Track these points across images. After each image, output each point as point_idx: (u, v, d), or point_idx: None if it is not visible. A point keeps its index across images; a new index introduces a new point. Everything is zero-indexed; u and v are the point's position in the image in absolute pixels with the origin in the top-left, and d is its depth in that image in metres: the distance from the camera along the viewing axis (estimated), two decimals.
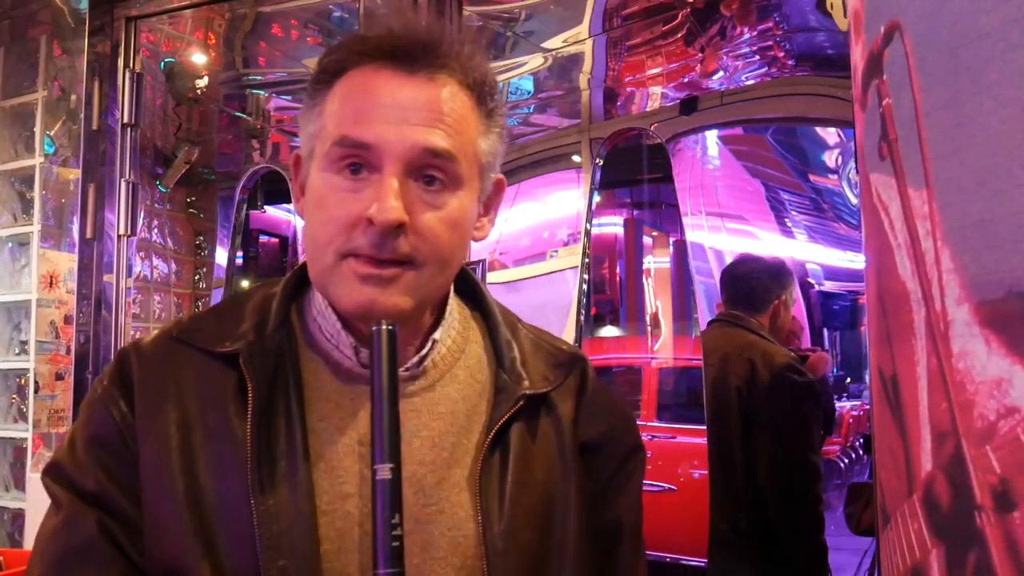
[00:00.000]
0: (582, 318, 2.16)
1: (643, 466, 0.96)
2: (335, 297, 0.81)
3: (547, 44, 2.29)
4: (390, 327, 0.75)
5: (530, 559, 0.82)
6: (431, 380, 0.87)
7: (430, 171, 0.79)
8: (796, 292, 2.29)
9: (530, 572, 0.81)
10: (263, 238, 5.06)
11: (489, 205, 0.90)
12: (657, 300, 5.74)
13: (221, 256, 2.80)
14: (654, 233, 6.09)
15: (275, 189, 3.55)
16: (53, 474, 0.83)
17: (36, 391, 2.29)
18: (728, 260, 2.53)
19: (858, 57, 0.83)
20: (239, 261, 3.02)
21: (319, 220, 0.81)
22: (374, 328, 0.75)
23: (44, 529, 0.81)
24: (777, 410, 2.02)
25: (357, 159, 0.79)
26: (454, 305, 0.91)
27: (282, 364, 0.83)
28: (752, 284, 2.20)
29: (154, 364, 0.84)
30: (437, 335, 0.87)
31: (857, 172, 0.90)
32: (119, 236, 2.35)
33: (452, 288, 0.90)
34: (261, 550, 0.75)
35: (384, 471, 0.71)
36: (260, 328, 0.84)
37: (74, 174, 2.31)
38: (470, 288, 0.95)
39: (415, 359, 0.86)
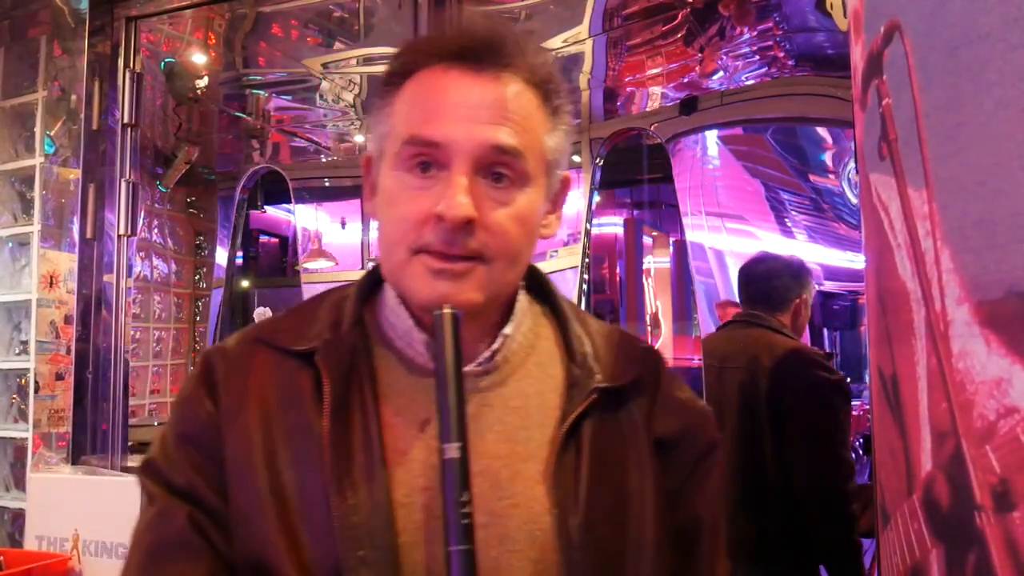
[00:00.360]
0: None
1: (722, 462, 0.95)
2: (408, 292, 0.83)
3: (547, 44, 2.29)
4: (453, 311, 0.77)
5: (607, 554, 0.82)
6: (503, 375, 0.88)
7: (498, 168, 0.81)
8: (813, 293, 2.27)
9: (607, 567, 0.82)
10: (263, 238, 5.06)
11: (556, 202, 0.92)
12: (657, 300, 5.73)
13: (221, 256, 2.80)
14: (654, 233, 6.08)
15: (275, 189, 3.55)
16: (146, 470, 0.87)
17: (36, 391, 2.28)
18: (728, 260, 2.53)
19: (858, 57, 0.83)
20: (239, 261, 3.02)
21: (390, 218, 0.83)
22: (436, 313, 0.77)
23: (139, 523, 0.85)
24: (810, 409, 1.98)
25: (426, 157, 0.81)
26: (524, 301, 0.93)
27: (357, 361, 0.85)
28: (773, 283, 2.16)
29: (237, 364, 0.88)
30: (507, 330, 0.88)
31: (857, 172, 0.90)
32: (119, 236, 2.35)
33: (522, 284, 0.92)
34: (340, 541, 0.77)
35: (452, 450, 0.73)
36: (335, 327, 0.87)
37: (74, 174, 2.31)
38: (539, 285, 0.97)
39: (487, 354, 0.87)
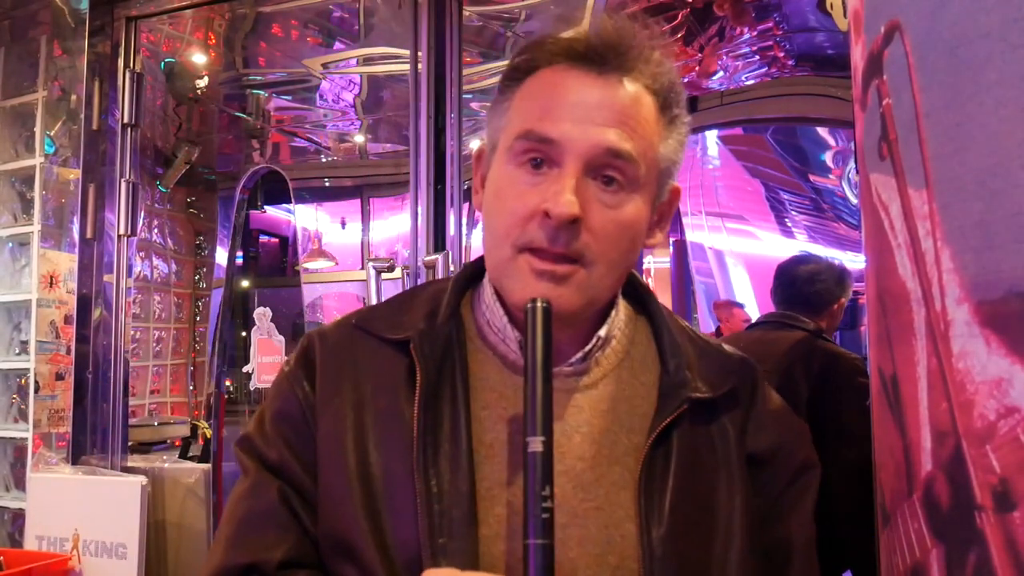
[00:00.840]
0: None
1: (817, 483, 0.93)
2: (509, 290, 0.83)
3: None
4: (545, 304, 0.77)
5: (689, 569, 0.80)
6: (595, 378, 0.87)
7: (609, 171, 0.81)
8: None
9: None
10: (263, 238, 5.05)
11: (663, 213, 0.91)
12: None
13: (221, 256, 2.80)
14: None
15: (275, 189, 3.54)
16: (243, 445, 0.89)
17: (36, 391, 2.28)
18: (728, 260, 2.53)
19: (858, 57, 0.83)
20: (239, 261, 3.02)
21: (497, 212, 0.83)
22: (529, 305, 0.77)
23: (234, 494, 0.87)
24: (855, 415, 1.96)
25: (539, 154, 0.81)
26: (621, 307, 0.92)
27: (450, 352, 0.86)
28: (817, 287, 2.12)
29: (335, 348, 0.90)
30: (602, 332, 0.88)
31: (857, 172, 0.90)
32: (119, 236, 2.35)
33: (620, 290, 0.91)
34: (420, 527, 0.77)
35: (536, 444, 0.72)
36: (431, 318, 0.88)
37: (74, 174, 2.31)
38: (637, 291, 0.96)
39: (579, 355, 0.87)
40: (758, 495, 0.87)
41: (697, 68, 2.26)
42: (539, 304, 0.76)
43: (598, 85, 0.82)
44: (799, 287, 2.15)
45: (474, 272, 0.93)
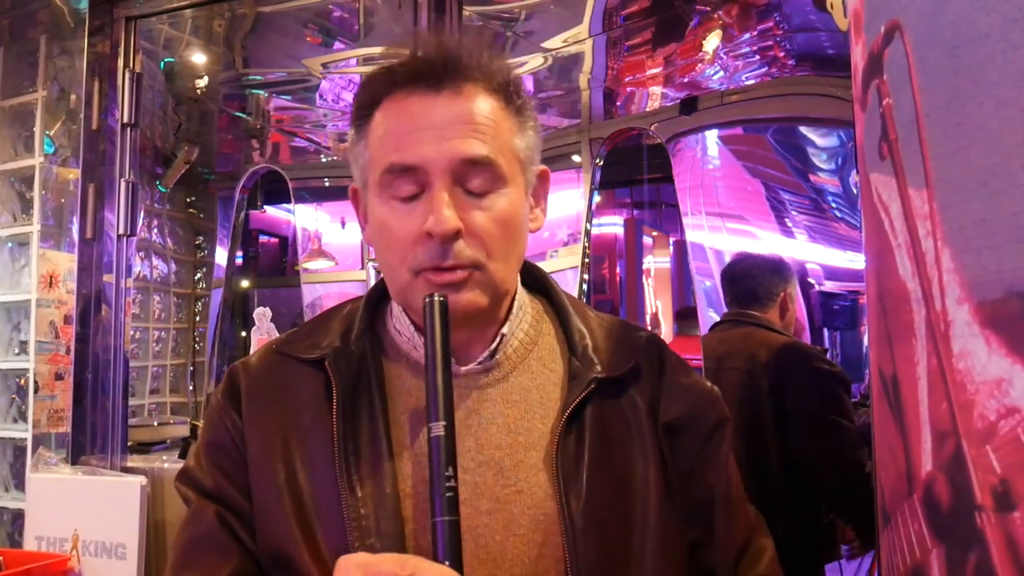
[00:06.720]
0: None
1: (729, 436, 0.98)
2: (416, 308, 0.88)
3: (547, 44, 2.29)
4: (442, 299, 0.82)
5: (611, 538, 0.85)
6: (504, 372, 0.93)
7: (473, 177, 0.85)
8: (797, 287, 2.28)
9: (611, 550, 0.85)
10: (263, 238, 5.06)
11: (538, 196, 0.96)
12: (657, 300, 5.74)
13: (221, 256, 2.80)
14: (654, 233, 6.08)
15: (275, 189, 3.55)
16: (183, 478, 0.95)
17: (36, 391, 2.28)
18: (729, 260, 2.52)
19: (858, 57, 0.83)
20: (239, 261, 3.02)
21: (386, 244, 0.89)
22: (426, 300, 0.82)
23: (180, 524, 0.93)
24: (817, 400, 1.97)
25: (408, 180, 0.85)
26: (525, 299, 0.97)
27: (365, 365, 0.92)
28: (757, 279, 2.17)
29: (258, 376, 0.96)
30: (505, 330, 0.93)
31: (857, 172, 0.90)
32: (119, 236, 2.35)
33: (519, 283, 0.96)
34: (349, 531, 0.82)
35: (438, 428, 0.78)
36: (345, 335, 0.94)
37: (74, 174, 2.31)
38: (538, 282, 1.02)
39: (486, 353, 0.92)
40: (679, 460, 0.92)
41: (697, 68, 2.26)
42: (436, 299, 0.82)
43: (440, 102, 0.86)
44: (740, 284, 2.21)
45: (384, 289, 0.98)
